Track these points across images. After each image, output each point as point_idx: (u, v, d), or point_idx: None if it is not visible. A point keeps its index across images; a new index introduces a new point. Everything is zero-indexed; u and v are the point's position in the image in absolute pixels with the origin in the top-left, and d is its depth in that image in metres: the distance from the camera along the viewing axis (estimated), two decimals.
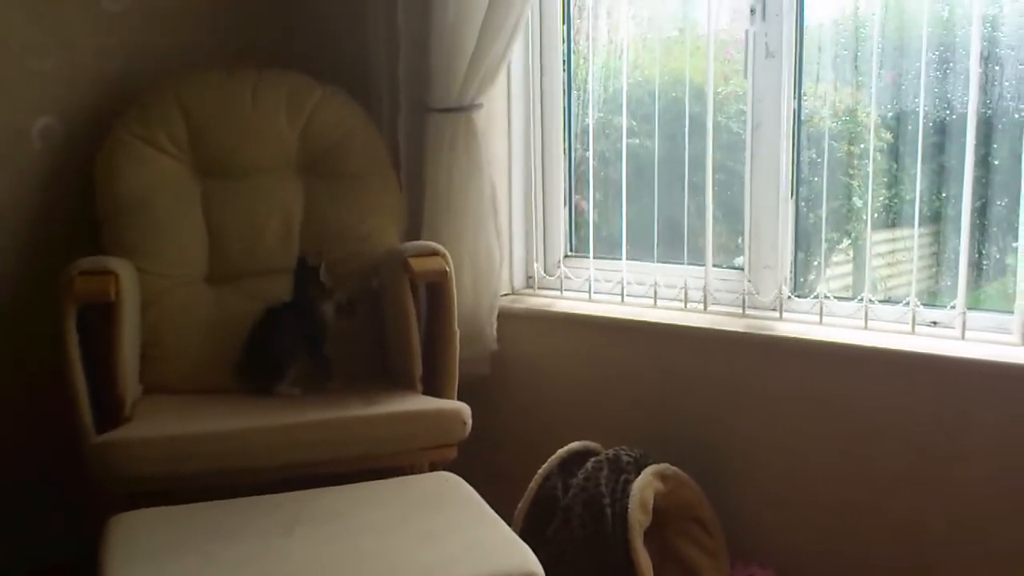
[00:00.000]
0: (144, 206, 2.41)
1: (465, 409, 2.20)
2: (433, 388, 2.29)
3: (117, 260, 2.25)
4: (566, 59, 2.68)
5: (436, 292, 2.31)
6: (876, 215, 2.26)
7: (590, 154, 2.64)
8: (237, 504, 1.88)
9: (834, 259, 2.41)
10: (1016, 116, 2.08)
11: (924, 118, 2.13)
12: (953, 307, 2.12)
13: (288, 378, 2.29)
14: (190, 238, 2.45)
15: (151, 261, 2.37)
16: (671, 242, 2.53)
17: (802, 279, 2.40)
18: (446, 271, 2.28)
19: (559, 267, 2.69)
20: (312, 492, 1.92)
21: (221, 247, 2.47)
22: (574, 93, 2.70)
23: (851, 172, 2.34)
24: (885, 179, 2.28)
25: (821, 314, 2.26)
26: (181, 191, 2.47)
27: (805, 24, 2.29)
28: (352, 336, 2.38)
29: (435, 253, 2.32)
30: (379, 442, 2.14)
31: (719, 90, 2.40)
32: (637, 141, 2.58)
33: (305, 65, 2.66)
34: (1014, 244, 2.08)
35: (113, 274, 2.15)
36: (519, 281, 2.75)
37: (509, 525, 1.82)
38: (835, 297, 2.28)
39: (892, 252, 2.35)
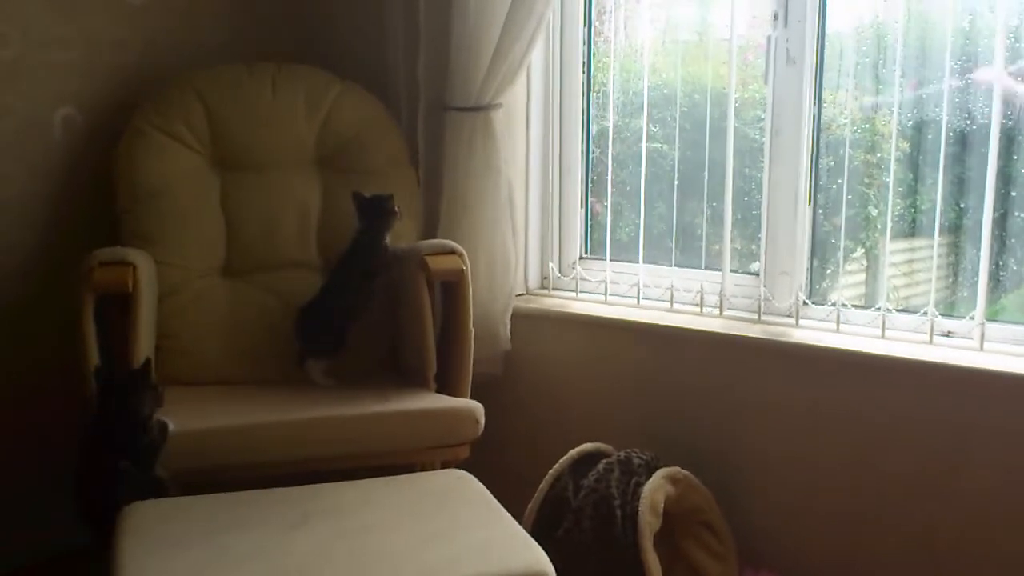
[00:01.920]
0: (163, 197, 2.41)
1: (478, 408, 2.20)
2: (446, 386, 2.29)
3: (135, 251, 2.26)
4: (586, 61, 2.68)
5: (452, 291, 2.31)
6: (892, 224, 2.26)
7: (608, 157, 2.64)
8: (248, 496, 1.88)
9: (848, 267, 2.41)
10: None
11: (945, 128, 2.13)
12: (971, 318, 2.11)
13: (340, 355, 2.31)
14: (208, 230, 2.46)
15: (169, 252, 2.38)
16: (686, 246, 2.53)
17: (816, 286, 2.40)
18: (463, 270, 2.28)
19: (574, 269, 2.70)
20: (323, 487, 1.92)
21: (238, 240, 2.48)
22: (593, 96, 2.71)
23: (868, 181, 2.34)
24: (902, 188, 2.28)
25: (838, 322, 2.26)
26: (199, 183, 2.47)
27: (826, 31, 2.29)
28: (367, 332, 2.38)
29: (452, 252, 2.32)
30: (392, 439, 2.14)
31: (736, 95, 2.40)
32: (654, 145, 2.58)
33: (323, 62, 2.67)
34: None
35: (131, 265, 2.16)
36: (533, 281, 2.75)
37: (520, 525, 1.81)
38: (852, 305, 2.27)
39: (907, 262, 2.34)
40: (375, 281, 2.35)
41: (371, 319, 2.38)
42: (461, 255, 2.31)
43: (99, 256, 2.14)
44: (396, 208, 2.34)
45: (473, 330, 2.31)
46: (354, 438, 2.12)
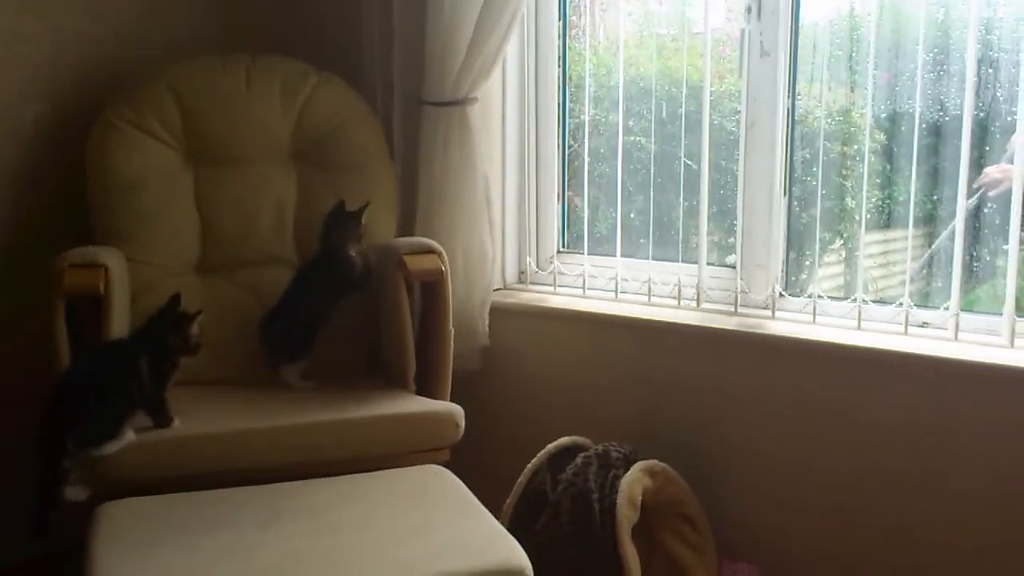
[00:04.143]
0: (135, 192, 2.38)
1: (458, 411, 2.18)
2: (426, 387, 2.28)
3: (107, 251, 2.23)
4: (561, 55, 2.67)
5: (431, 291, 2.28)
6: (868, 216, 2.27)
7: (585, 151, 2.64)
8: (223, 495, 1.87)
9: (826, 259, 2.42)
10: (1009, 119, 2.09)
11: (919, 119, 2.14)
12: (946, 308, 2.12)
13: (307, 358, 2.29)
14: (181, 226, 2.42)
15: (141, 249, 2.35)
16: (664, 239, 2.54)
17: (793, 278, 2.40)
18: (442, 270, 2.25)
19: (552, 263, 2.69)
20: (299, 484, 1.91)
21: (213, 236, 2.45)
22: (569, 89, 2.70)
23: (844, 172, 2.35)
24: (878, 180, 2.29)
25: (814, 313, 2.27)
26: (173, 178, 2.44)
27: (800, 23, 2.30)
28: (344, 332, 2.36)
29: (431, 251, 2.29)
30: (371, 445, 2.11)
31: (713, 89, 2.40)
32: (631, 138, 2.58)
33: (298, 56, 2.64)
34: (1004, 247, 2.09)
35: (102, 267, 2.13)
36: (511, 276, 2.75)
37: (497, 519, 1.81)
38: (828, 297, 2.28)
39: (883, 253, 2.36)
40: (346, 296, 2.34)
41: (348, 320, 2.36)
42: (440, 254, 2.28)
43: (69, 258, 2.11)
44: (361, 229, 2.33)
45: (452, 329, 2.30)
46: (333, 444, 2.08)
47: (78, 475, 1.92)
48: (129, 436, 1.97)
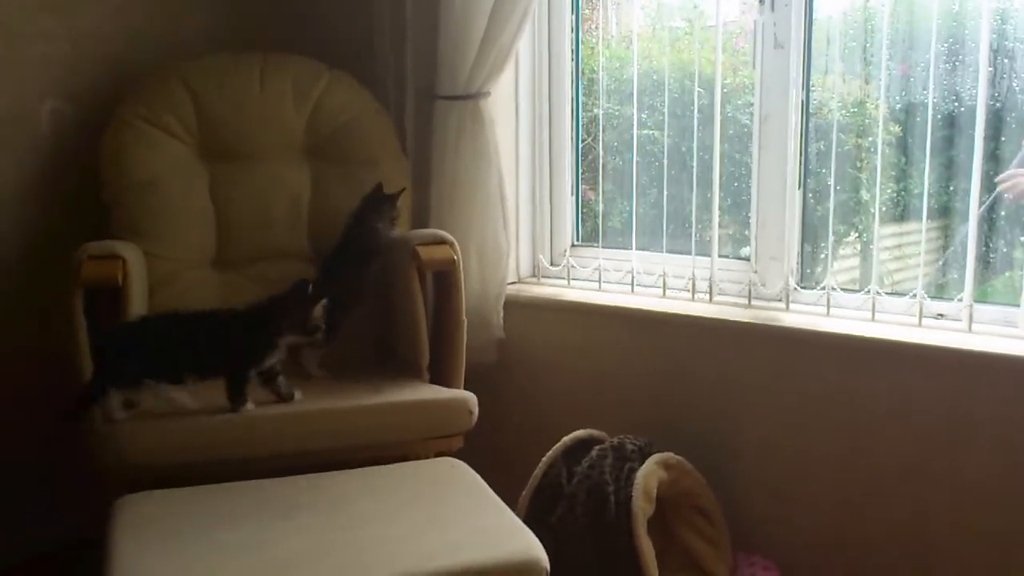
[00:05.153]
0: (151, 189, 2.41)
1: (472, 398, 2.20)
2: (440, 377, 2.30)
3: (124, 244, 2.26)
4: (575, 49, 2.68)
5: (444, 281, 2.31)
6: (884, 208, 2.26)
7: (600, 145, 2.64)
8: (241, 487, 1.88)
9: (841, 252, 2.41)
10: None
11: (933, 111, 2.13)
12: (960, 300, 2.12)
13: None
14: (197, 222, 2.45)
15: (158, 245, 2.37)
16: (678, 232, 2.54)
17: (808, 271, 2.40)
18: (454, 260, 2.28)
19: (565, 257, 2.70)
20: (317, 476, 1.93)
21: (228, 232, 2.47)
22: (582, 83, 2.70)
23: (859, 165, 2.34)
24: (893, 172, 2.28)
25: (828, 306, 2.26)
26: (188, 175, 2.47)
27: (814, 15, 2.29)
28: (360, 323, 2.38)
29: (443, 242, 2.32)
30: (386, 431, 2.14)
31: (727, 81, 2.39)
32: (645, 131, 2.58)
33: (310, 51, 2.66)
34: (1022, 238, 2.08)
35: (120, 259, 2.16)
36: (525, 270, 2.75)
37: (513, 512, 1.82)
38: (842, 289, 2.28)
39: (899, 246, 2.35)
40: (371, 265, 2.35)
41: (365, 310, 2.38)
42: (452, 245, 2.31)
43: (88, 250, 2.14)
44: (395, 212, 2.36)
45: (466, 319, 2.31)
46: (348, 430, 2.12)
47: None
48: (122, 415, 2.01)
